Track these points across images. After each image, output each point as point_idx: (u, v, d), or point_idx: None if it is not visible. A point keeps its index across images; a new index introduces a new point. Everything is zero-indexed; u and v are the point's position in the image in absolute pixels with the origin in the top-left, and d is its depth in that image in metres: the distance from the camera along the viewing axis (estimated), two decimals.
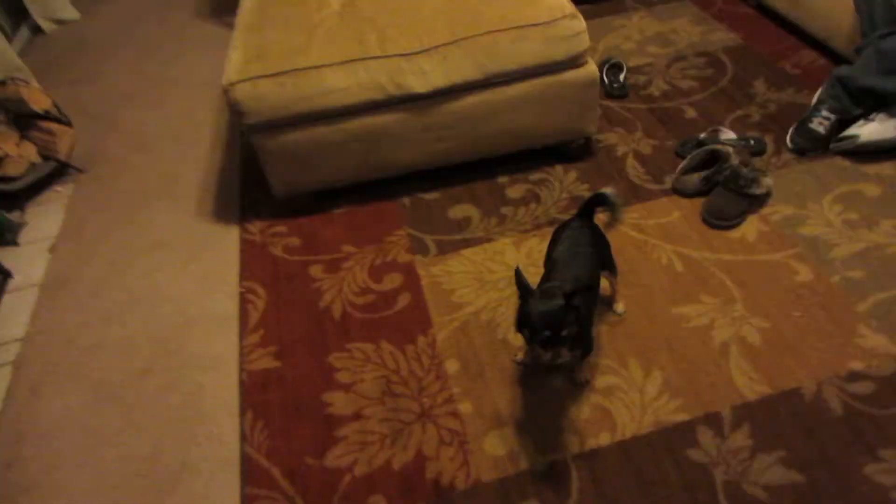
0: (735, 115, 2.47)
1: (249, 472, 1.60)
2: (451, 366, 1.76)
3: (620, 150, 2.39)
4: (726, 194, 2.08)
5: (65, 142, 2.58)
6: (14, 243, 2.38)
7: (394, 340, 1.84)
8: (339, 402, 1.72)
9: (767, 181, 2.11)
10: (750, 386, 1.61)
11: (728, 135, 2.33)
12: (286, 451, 1.63)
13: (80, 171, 2.68)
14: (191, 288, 2.12)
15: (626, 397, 1.63)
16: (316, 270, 2.09)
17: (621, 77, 2.71)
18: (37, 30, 3.83)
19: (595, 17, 3.12)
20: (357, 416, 1.68)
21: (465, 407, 1.66)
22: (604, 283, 1.77)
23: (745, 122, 2.43)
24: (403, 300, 1.95)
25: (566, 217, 1.85)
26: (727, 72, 2.70)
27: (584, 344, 1.52)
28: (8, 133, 2.47)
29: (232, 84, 1.98)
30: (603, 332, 1.77)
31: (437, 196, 2.30)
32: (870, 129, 2.19)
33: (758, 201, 2.09)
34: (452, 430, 1.62)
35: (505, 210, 2.21)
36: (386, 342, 1.84)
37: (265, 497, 1.55)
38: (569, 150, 2.37)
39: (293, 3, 2.31)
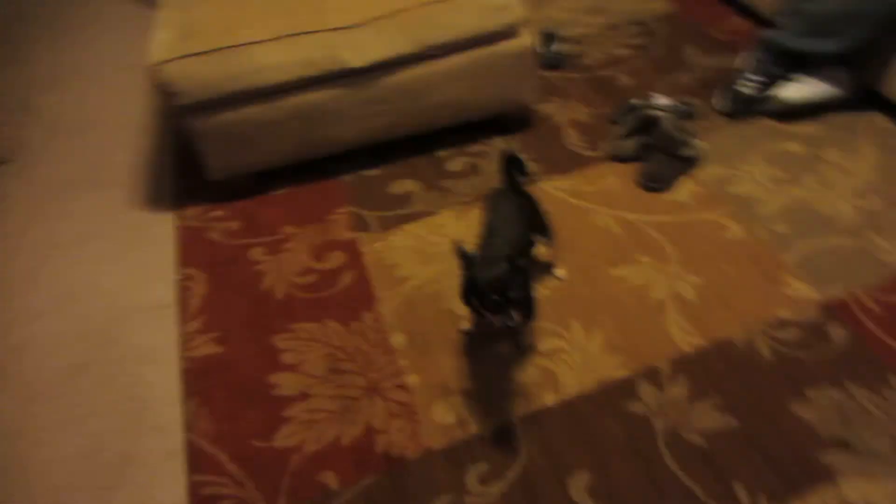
0: (667, 81, 2.56)
1: (195, 460, 1.61)
2: (398, 339, 1.79)
3: (558, 120, 2.46)
4: (660, 158, 2.17)
5: None
6: None
7: (339, 318, 1.87)
8: (285, 383, 1.73)
9: (699, 144, 2.21)
10: (686, 339, 1.69)
11: (661, 100, 2.41)
12: (233, 435, 1.64)
13: None
14: (125, 279, 2.09)
15: (569, 358, 1.69)
16: (257, 253, 2.08)
17: (557, 47, 2.77)
18: None
19: None
20: (304, 396, 1.70)
21: (412, 379, 1.70)
22: (543, 249, 1.83)
23: (677, 87, 2.52)
24: (347, 278, 1.97)
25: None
26: (659, 39, 2.79)
27: (528, 306, 1.57)
28: None
29: (161, 63, 1.94)
30: (545, 296, 1.83)
31: (378, 172, 2.32)
32: (793, 90, 2.31)
33: (690, 163, 2.18)
34: (401, 402, 1.66)
35: (446, 183, 2.24)
36: (331, 320, 1.86)
37: (213, 483, 1.56)
38: (507, 122, 2.42)
39: None
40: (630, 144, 2.25)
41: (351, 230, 2.12)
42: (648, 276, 1.86)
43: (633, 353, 1.68)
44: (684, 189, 2.12)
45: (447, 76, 2.19)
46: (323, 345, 1.80)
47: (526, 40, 2.22)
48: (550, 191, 2.14)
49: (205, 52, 1.96)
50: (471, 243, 1.50)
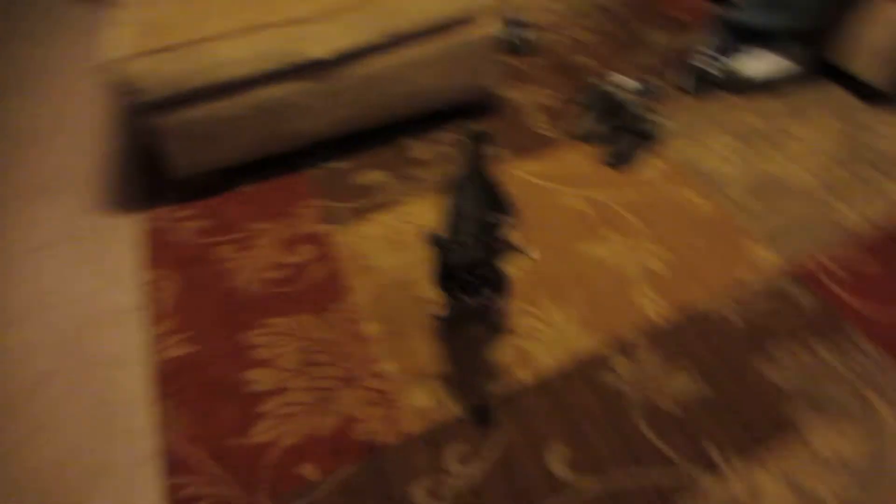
0: (630, 62, 2.60)
1: (173, 462, 1.60)
2: (371, 328, 1.81)
3: (523, 104, 2.49)
4: (626, 137, 2.21)
5: None
6: None
7: (311, 311, 1.88)
8: (260, 379, 1.74)
9: (662, 121, 2.25)
10: (656, 311, 1.73)
11: (624, 81, 2.45)
12: (209, 434, 1.64)
13: None
14: (94, 283, 2.07)
15: (542, 336, 1.72)
16: (226, 250, 2.08)
17: (521, 33, 2.80)
18: None
19: None
20: (280, 390, 1.71)
21: (388, 366, 1.72)
22: (512, 230, 1.86)
23: (639, 67, 2.57)
24: (318, 270, 1.98)
25: None
26: (623, 22, 2.84)
27: (501, 284, 1.60)
28: None
29: (121, 61, 1.93)
30: (516, 277, 1.86)
31: (346, 164, 2.33)
32: (752, 66, 2.37)
33: (654, 140, 2.23)
34: (377, 389, 1.67)
35: (414, 172, 2.26)
36: (303, 313, 1.87)
37: (192, 483, 1.56)
38: (473, 108, 2.44)
39: None
40: (595, 125, 2.29)
41: (320, 223, 2.12)
42: (617, 251, 1.90)
43: (606, 327, 1.72)
44: (650, 166, 2.16)
45: (412, 65, 2.20)
46: (297, 338, 1.81)
47: (489, 26, 2.25)
48: (519, 174, 2.17)
49: (166, 48, 1.95)
50: (439, 229, 1.52)
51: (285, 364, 1.75)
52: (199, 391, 1.73)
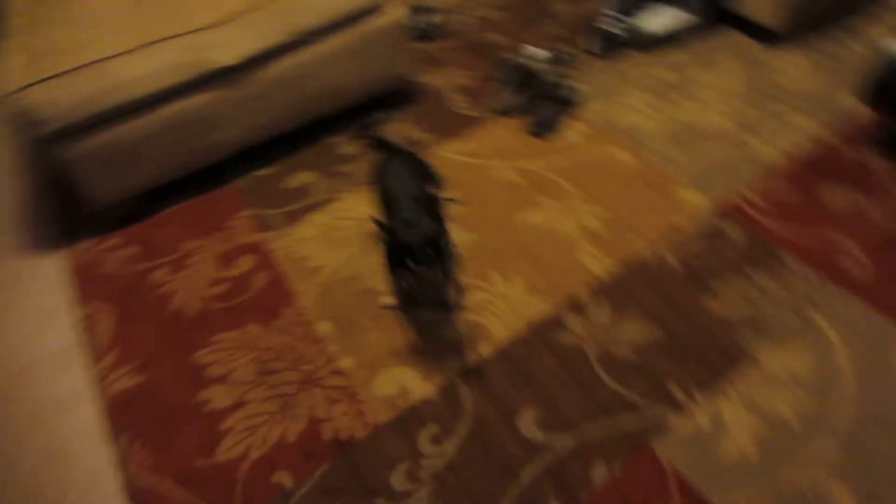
0: (538, 33, 2.66)
1: (138, 496, 1.55)
2: (323, 328, 1.79)
3: (441, 87, 2.51)
4: (545, 104, 2.26)
5: None
6: None
7: (260, 320, 1.84)
8: (217, 396, 1.70)
9: (578, 85, 2.31)
10: (600, 266, 1.79)
11: (535, 52, 2.50)
12: (173, 460, 1.60)
13: None
14: (24, 329, 1.97)
15: (494, 308, 1.75)
16: (160, 274, 2.02)
17: (427, 18, 2.82)
18: None
19: None
20: (239, 404, 1.67)
21: (346, 362, 1.71)
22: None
23: (547, 37, 2.63)
24: (260, 279, 1.95)
25: None
26: None
27: (452, 255, 1.62)
28: None
29: (16, 92, 1.84)
30: (462, 255, 1.88)
31: (272, 170, 2.29)
32: (654, 22, 2.46)
33: (573, 105, 2.29)
34: (339, 386, 1.66)
35: (342, 168, 2.25)
36: (251, 324, 1.84)
37: None
38: (392, 98, 2.44)
39: None
40: (514, 98, 2.33)
41: (254, 232, 2.09)
42: (554, 216, 1.94)
43: (554, 290, 1.76)
44: (572, 130, 2.21)
45: (323, 61, 2.18)
46: (249, 350, 1.78)
47: (395, 13, 2.25)
48: (447, 155, 2.19)
49: (62, 73, 1.87)
50: (379, 216, 1.53)
51: (241, 377, 1.72)
52: (156, 419, 1.68)
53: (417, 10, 2.83)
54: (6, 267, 2.17)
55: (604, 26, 2.49)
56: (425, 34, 2.76)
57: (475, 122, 2.33)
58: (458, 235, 1.92)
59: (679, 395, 1.50)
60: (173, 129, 2.06)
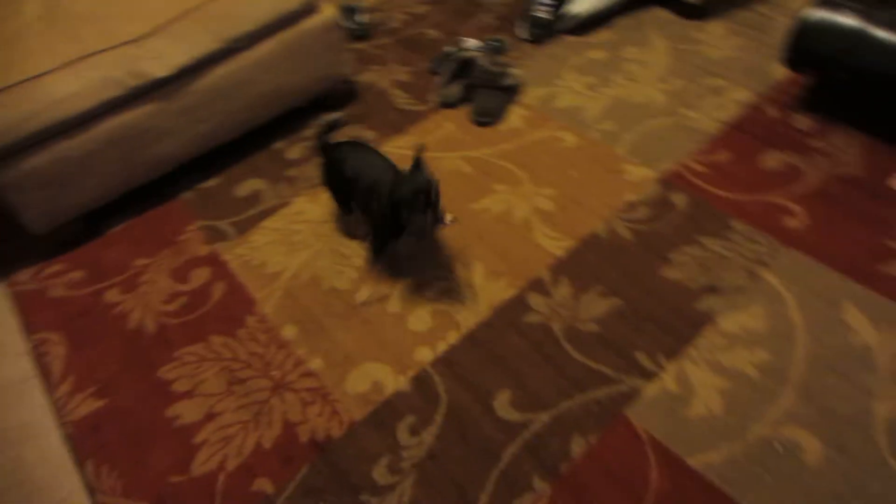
0: (471, 25, 2.65)
1: None
2: (289, 332, 1.74)
3: (382, 85, 2.47)
4: (485, 93, 2.25)
5: None
6: None
7: (222, 331, 1.78)
8: (186, 412, 1.63)
9: (516, 72, 2.32)
10: (556, 245, 1.79)
11: (471, 43, 2.50)
12: (146, 480, 1.52)
13: None
14: None
15: (458, 296, 1.73)
16: (112, 295, 1.93)
17: (360, 18, 2.77)
18: None
19: None
20: (211, 416, 1.61)
21: (315, 363, 1.66)
22: None
23: (481, 28, 2.63)
24: (218, 290, 1.88)
25: None
26: None
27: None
28: None
29: None
30: (421, 247, 1.86)
31: (218, 180, 2.21)
32: (581, 5, 2.48)
33: (513, 92, 2.29)
34: (311, 388, 1.62)
35: (291, 172, 2.19)
36: (214, 335, 1.77)
37: None
38: (334, 99, 2.40)
39: None
40: (454, 89, 2.32)
41: (207, 244, 2.01)
42: (507, 201, 1.94)
43: (515, 273, 1.75)
44: (514, 116, 2.22)
45: (260, 66, 2.12)
46: (214, 361, 1.71)
47: (328, 13, 2.20)
48: (394, 151, 2.16)
49: None
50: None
51: (209, 389, 1.66)
52: (123, 441, 1.60)
53: (350, 10, 2.78)
54: None
55: (536, 14, 2.51)
56: (357, 34, 2.72)
57: (420, 117, 2.30)
58: None
59: (646, 362, 1.52)
60: (112, 146, 1.97)
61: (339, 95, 2.41)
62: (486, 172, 2.04)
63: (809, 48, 1.88)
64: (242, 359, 1.71)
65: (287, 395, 1.61)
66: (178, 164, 2.15)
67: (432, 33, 2.67)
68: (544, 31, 2.51)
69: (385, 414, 1.54)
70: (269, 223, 2.03)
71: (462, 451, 1.45)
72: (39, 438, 1.65)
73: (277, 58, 2.14)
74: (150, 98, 1.97)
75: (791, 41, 1.90)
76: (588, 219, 1.84)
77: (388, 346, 1.67)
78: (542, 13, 2.51)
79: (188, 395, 1.66)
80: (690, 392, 1.46)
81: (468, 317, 1.69)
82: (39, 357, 1.82)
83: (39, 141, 1.86)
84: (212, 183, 2.21)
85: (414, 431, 1.50)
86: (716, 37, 2.35)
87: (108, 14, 1.97)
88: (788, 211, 1.77)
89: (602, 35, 2.46)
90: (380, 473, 1.44)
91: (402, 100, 2.39)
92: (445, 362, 1.60)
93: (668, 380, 1.48)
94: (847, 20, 1.78)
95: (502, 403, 1.51)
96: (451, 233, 1.89)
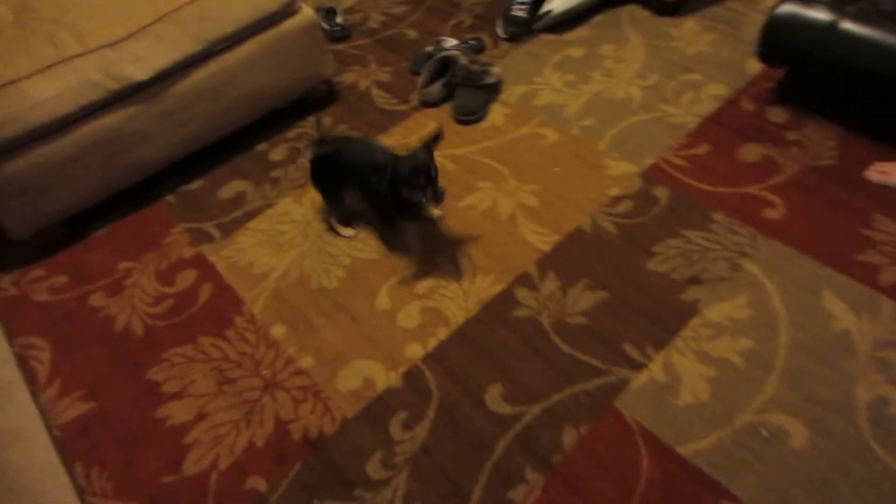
0: (450, 25, 2.64)
1: None
2: (278, 331, 1.72)
3: (362, 85, 2.45)
4: (467, 92, 2.24)
5: None
6: None
7: (211, 332, 1.75)
8: (176, 412, 1.60)
9: (496, 70, 2.31)
10: (542, 240, 1.79)
11: (450, 42, 2.49)
12: (138, 481, 1.49)
13: None
14: None
15: (447, 292, 1.72)
16: (97, 299, 1.88)
17: (339, 19, 2.75)
18: None
19: None
20: (201, 417, 1.58)
21: (306, 362, 1.64)
22: None
23: (460, 28, 2.62)
24: (205, 292, 1.85)
25: None
26: None
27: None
28: None
29: None
30: (408, 244, 1.85)
31: (201, 183, 2.17)
32: (559, 4, 2.48)
33: (494, 90, 2.29)
34: (302, 386, 1.60)
35: (275, 173, 2.16)
36: (203, 336, 1.74)
37: None
38: (315, 99, 2.37)
39: None
40: (435, 89, 2.30)
41: (192, 246, 1.98)
42: (493, 197, 1.93)
43: (502, 268, 1.75)
44: (496, 113, 2.21)
45: (241, 68, 2.09)
46: (204, 362, 1.68)
47: (308, 14, 2.17)
48: None
49: None
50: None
51: (199, 390, 1.63)
52: (113, 443, 1.57)
53: (329, 11, 2.76)
54: None
55: (514, 13, 2.50)
56: (337, 35, 2.69)
57: (402, 116, 2.29)
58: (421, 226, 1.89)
59: (634, 353, 1.52)
60: (93, 150, 1.93)
61: (320, 96, 2.38)
62: (471, 170, 2.03)
63: (781, 42, 1.90)
64: (232, 359, 1.68)
65: (279, 394, 1.59)
66: (161, 167, 2.11)
67: (411, 33, 2.65)
68: (522, 30, 2.51)
69: (377, 410, 1.52)
70: (254, 224, 2.00)
71: (455, 445, 1.44)
72: (27, 442, 1.61)
73: (258, 59, 2.11)
74: (131, 102, 1.93)
75: (763, 36, 1.91)
76: (573, 214, 1.84)
77: (379, 343, 1.65)
78: (519, 12, 2.50)
79: (178, 395, 1.63)
80: (678, 381, 1.46)
81: (457, 312, 1.67)
82: (24, 362, 1.77)
83: (19, 146, 1.81)
84: (195, 185, 2.17)
85: (407, 426, 1.48)
86: (690, 33, 2.37)
87: (80, 18, 1.93)
88: (767, 202, 1.78)
89: (579, 32, 2.47)
90: (374, 468, 1.43)
91: (383, 100, 2.37)
92: (436, 358, 1.59)
93: (656, 370, 1.49)
94: (817, 14, 1.80)
95: (494, 397, 1.50)
96: (438, 230, 1.87)
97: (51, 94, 1.80)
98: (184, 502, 1.44)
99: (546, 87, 2.26)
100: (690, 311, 1.58)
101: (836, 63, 1.81)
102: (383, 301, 1.73)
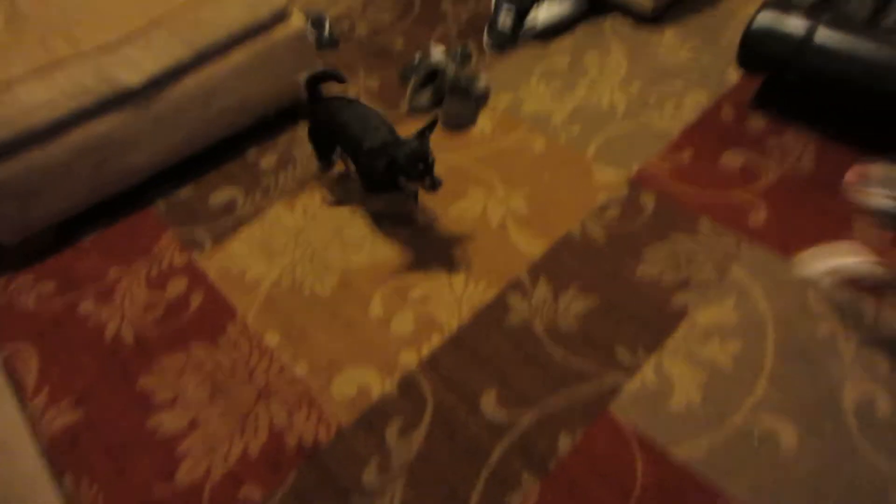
0: (437, 34, 2.60)
1: None
2: (272, 338, 1.66)
3: (352, 93, 2.40)
4: (455, 100, 2.21)
5: None
6: None
7: (203, 339, 1.69)
8: (168, 421, 1.54)
9: (484, 78, 2.28)
10: (533, 246, 1.76)
11: (439, 51, 2.45)
12: (129, 491, 1.43)
13: None
14: None
15: (440, 299, 1.68)
16: (87, 306, 1.81)
17: (327, 29, 2.69)
18: None
19: None
20: (193, 426, 1.52)
21: (300, 368, 1.59)
22: None
23: (447, 37, 2.58)
24: (196, 299, 1.79)
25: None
26: (415, 0, 2.83)
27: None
28: None
29: None
30: (401, 251, 1.80)
31: (192, 189, 2.11)
32: (543, 14, 2.46)
33: (482, 98, 2.25)
34: (297, 393, 1.54)
35: (265, 180, 2.10)
36: (196, 344, 1.68)
37: None
38: (304, 107, 2.31)
39: None
40: (425, 96, 2.26)
41: (183, 252, 1.91)
42: (483, 204, 1.90)
43: (494, 274, 1.71)
44: (485, 121, 2.18)
45: (232, 74, 2.03)
46: (196, 370, 1.62)
47: (298, 22, 2.12)
48: None
49: None
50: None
51: (192, 398, 1.57)
52: (103, 453, 1.50)
53: (318, 20, 2.70)
54: None
55: (500, 24, 2.47)
56: (328, 43, 2.64)
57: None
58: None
59: (626, 357, 1.49)
60: (84, 155, 1.86)
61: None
62: (461, 177, 1.99)
63: (759, 51, 1.89)
64: (225, 367, 1.62)
65: (273, 402, 1.53)
66: (153, 172, 2.04)
67: (399, 42, 2.61)
68: (509, 40, 2.48)
69: (373, 417, 1.48)
70: (246, 231, 1.95)
71: (451, 452, 1.40)
72: (14, 452, 1.53)
73: (249, 66, 2.06)
74: (122, 107, 1.87)
75: (742, 44, 1.90)
76: (562, 220, 1.81)
77: (373, 350, 1.60)
78: (506, 22, 2.47)
79: (170, 404, 1.57)
80: (670, 385, 1.44)
81: (451, 319, 1.63)
82: (10, 370, 1.69)
83: (9, 150, 1.73)
84: (186, 192, 2.10)
85: (403, 433, 1.44)
86: (672, 42, 2.36)
87: (73, 22, 1.86)
88: (751, 207, 1.77)
89: (564, 42, 2.44)
90: (370, 476, 1.38)
91: (373, 106, 2.32)
92: (431, 365, 1.55)
93: (648, 374, 1.46)
94: (793, 24, 1.79)
95: (489, 403, 1.46)
96: (429, 237, 1.83)
97: (43, 98, 1.73)
98: None
99: (533, 95, 2.23)
100: (680, 314, 1.55)
101: (813, 71, 1.80)
102: (376, 308, 1.68)
